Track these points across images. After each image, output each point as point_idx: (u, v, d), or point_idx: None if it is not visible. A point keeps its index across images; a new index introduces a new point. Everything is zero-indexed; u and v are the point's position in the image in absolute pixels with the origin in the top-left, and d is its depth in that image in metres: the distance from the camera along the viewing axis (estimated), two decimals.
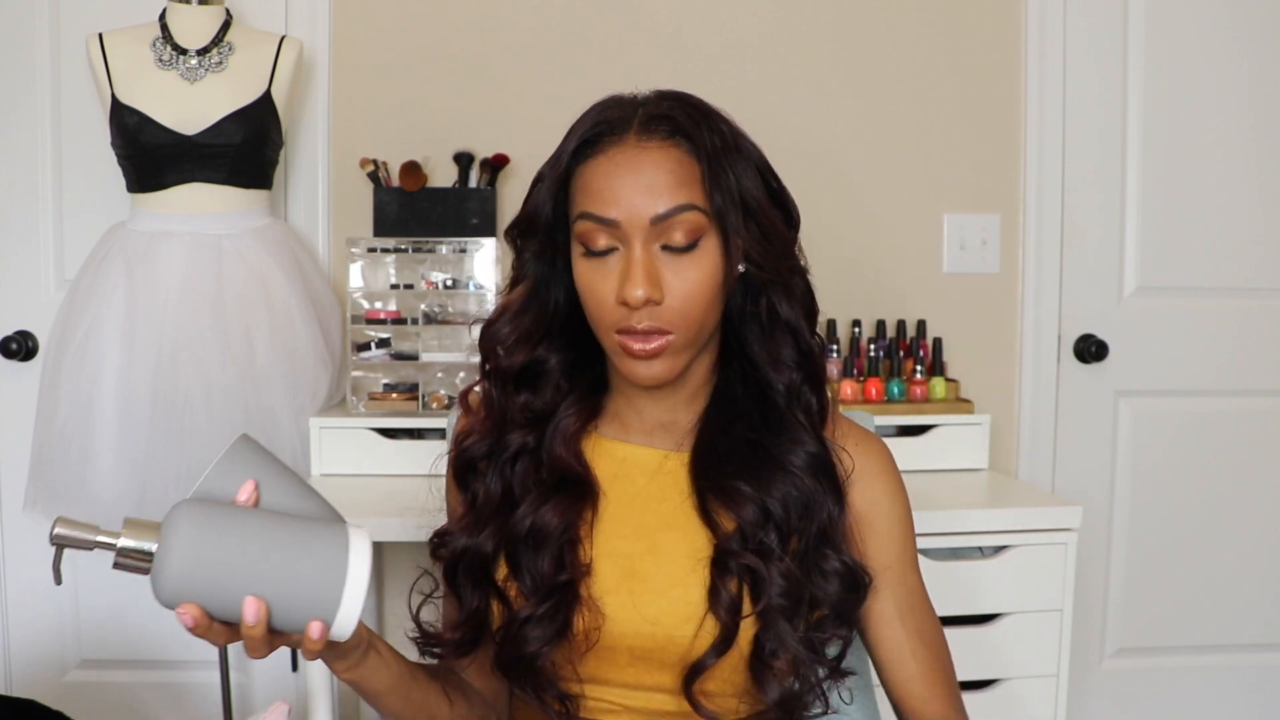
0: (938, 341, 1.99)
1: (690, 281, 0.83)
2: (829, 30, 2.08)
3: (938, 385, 1.93)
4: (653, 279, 0.81)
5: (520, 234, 0.91)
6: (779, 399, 0.89)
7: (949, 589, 1.61)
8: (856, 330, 2.01)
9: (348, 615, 0.68)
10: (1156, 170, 2.12)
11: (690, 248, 0.83)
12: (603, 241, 0.83)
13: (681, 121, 0.84)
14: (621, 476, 0.91)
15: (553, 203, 0.87)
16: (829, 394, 0.92)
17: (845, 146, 2.09)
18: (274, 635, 0.69)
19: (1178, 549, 2.19)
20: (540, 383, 0.91)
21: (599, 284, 0.84)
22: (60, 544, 0.66)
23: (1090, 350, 2.11)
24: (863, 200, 2.10)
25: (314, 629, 0.67)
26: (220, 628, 0.67)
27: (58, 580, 0.68)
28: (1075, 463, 2.16)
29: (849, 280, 2.09)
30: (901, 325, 2.05)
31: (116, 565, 0.67)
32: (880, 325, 2.02)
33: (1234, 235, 2.15)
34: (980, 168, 2.12)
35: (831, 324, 2.00)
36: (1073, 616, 1.65)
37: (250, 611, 0.65)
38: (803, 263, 0.91)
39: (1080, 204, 2.12)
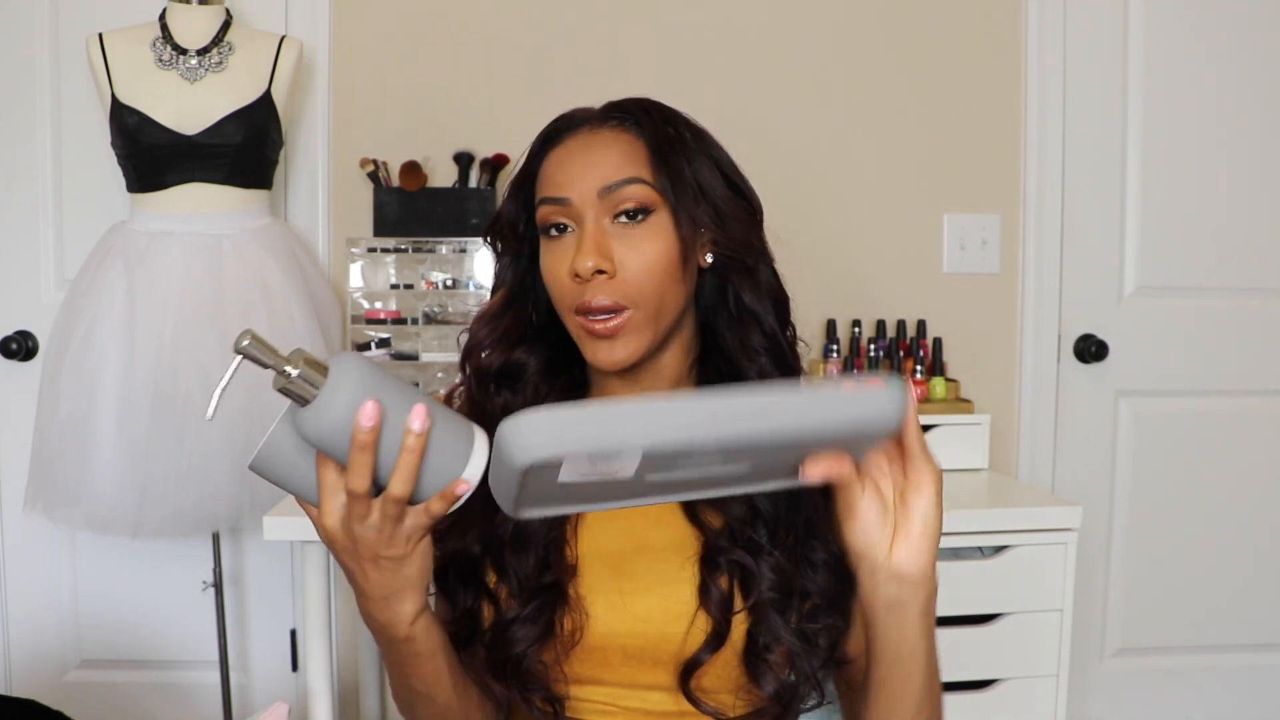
0: (938, 341, 1.99)
1: (643, 254, 0.85)
2: (829, 31, 2.08)
3: (938, 385, 1.93)
4: (603, 251, 0.84)
5: (494, 237, 0.93)
6: None
7: (949, 589, 1.61)
8: (856, 330, 2.01)
9: (478, 463, 0.69)
10: (1156, 170, 2.12)
11: (639, 218, 0.85)
12: (559, 221, 0.86)
13: (632, 111, 0.89)
14: None
15: (517, 201, 0.91)
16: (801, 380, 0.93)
17: (846, 147, 2.09)
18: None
19: (1178, 549, 2.19)
20: (518, 384, 0.93)
21: (555, 265, 0.87)
22: (244, 355, 0.65)
23: (1090, 350, 2.11)
24: (863, 200, 2.10)
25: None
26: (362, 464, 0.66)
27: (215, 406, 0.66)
28: (1075, 463, 2.16)
29: (849, 280, 2.09)
30: (901, 325, 2.05)
31: (283, 390, 0.66)
32: (880, 325, 2.02)
33: (1234, 235, 2.15)
34: (980, 168, 2.12)
35: (831, 324, 2.00)
36: (1073, 616, 1.65)
37: (419, 415, 0.65)
38: (770, 253, 0.92)
39: (1080, 204, 2.12)
